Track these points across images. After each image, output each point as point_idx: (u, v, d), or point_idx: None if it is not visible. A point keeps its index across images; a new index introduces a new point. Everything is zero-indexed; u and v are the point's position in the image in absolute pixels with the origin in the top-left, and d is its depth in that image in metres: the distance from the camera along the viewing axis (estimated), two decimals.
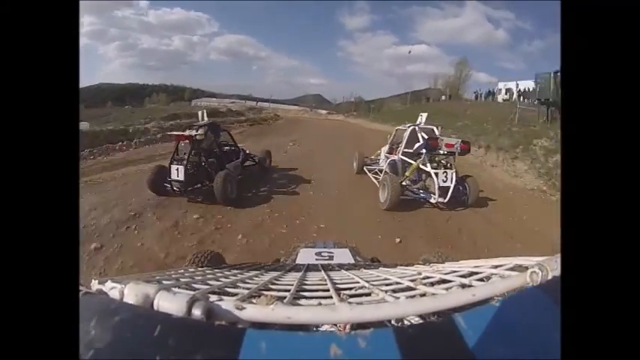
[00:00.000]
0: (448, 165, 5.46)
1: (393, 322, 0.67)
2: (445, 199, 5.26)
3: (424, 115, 6.19)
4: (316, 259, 1.89)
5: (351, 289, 0.78)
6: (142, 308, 0.53)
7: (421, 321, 0.54)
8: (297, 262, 1.85)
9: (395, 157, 6.06)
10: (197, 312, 0.52)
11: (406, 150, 5.81)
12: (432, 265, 1.22)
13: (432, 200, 5.40)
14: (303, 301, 0.65)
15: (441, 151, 5.43)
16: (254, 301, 0.62)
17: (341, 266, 1.50)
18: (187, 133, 5.94)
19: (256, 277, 0.99)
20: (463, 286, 0.65)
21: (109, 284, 0.63)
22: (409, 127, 6.07)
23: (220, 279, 0.87)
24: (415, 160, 5.55)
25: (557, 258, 0.56)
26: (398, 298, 0.61)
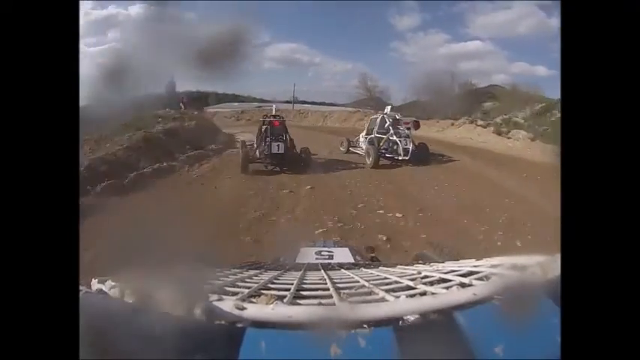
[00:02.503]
0: (407, 135, 8.27)
1: (393, 321, 0.67)
2: (407, 156, 8.04)
3: (389, 107, 9.13)
4: (316, 259, 1.89)
5: (351, 288, 0.78)
6: (142, 308, 0.53)
7: (421, 320, 0.54)
8: (296, 261, 1.85)
9: (372, 136, 8.70)
10: (197, 312, 0.52)
11: (379, 130, 8.61)
12: (431, 264, 1.22)
13: (399, 158, 8.06)
14: (303, 301, 0.65)
15: (401, 127, 8.35)
16: (254, 300, 0.62)
17: (341, 265, 1.50)
18: (277, 119, 7.83)
19: (256, 276, 0.99)
20: (463, 285, 0.65)
21: (109, 283, 0.63)
22: (379, 115, 8.81)
23: (220, 278, 0.87)
24: (385, 135, 8.39)
25: (557, 258, 0.56)
26: (398, 297, 0.61)
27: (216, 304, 0.55)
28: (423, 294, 0.64)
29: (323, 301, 0.65)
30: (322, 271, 1.16)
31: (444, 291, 0.61)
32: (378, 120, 8.85)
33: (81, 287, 0.58)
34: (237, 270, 1.12)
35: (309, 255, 2.00)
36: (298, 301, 0.65)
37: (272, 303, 0.57)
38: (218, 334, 0.48)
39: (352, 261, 1.88)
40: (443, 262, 1.17)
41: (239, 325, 0.51)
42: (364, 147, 8.72)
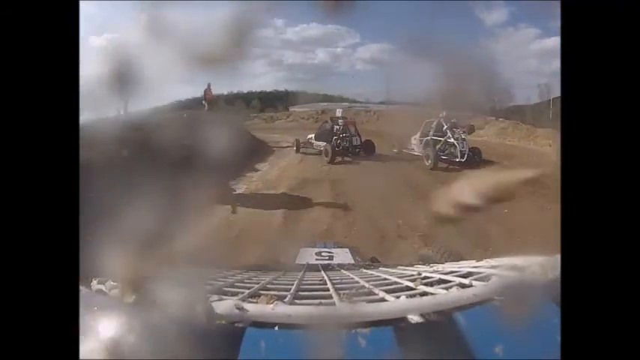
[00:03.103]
0: (463, 139, 8.30)
1: (393, 321, 0.67)
2: (464, 159, 8.08)
3: (444, 112, 8.79)
4: (316, 260, 1.89)
5: (351, 289, 0.78)
6: (142, 308, 0.53)
7: (421, 321, 0.54)
8: (296, 262, 1.85)
9: (427, 138, 8.75)
10: (197, 312, 0.52)
11: (435, 133, 8.66)
12: (431, 265, 1.22)
13: (456, 160, 8.07)
14: (303, 301, 0.65)
15: (458, 131, 8.31)
16: (254, 300, 0.62)
17: (341, 266, 1.50)
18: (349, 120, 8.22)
19: (256, 277, 0.99)
20: (463, 286, 0.65)
21: (109, 284, 0.63)
22: (435, 119, 8.70)
23: (220, 279, 0.87)
24: (442, 138, 8.42)
25: (557, 258, 0.56)
26: (398, 298, 0.61)
27: (217, 304, 0.55)
28: (423, 294, 0.64)
29: (323, 301, 0.65)
30: (322, 271, 1.16)
31: (444, 291, 0.61)
32: (434, 123, 8.90)
33: (81, 287, 0.58)
34: (237, 270, 1.12)
35: (308, 256, 2.00)
36: (298, 301, 0.65)
37: (272, 303, 0.57)
38: (218, 334, 0.48)
39: (352, 262, 1.88)
40: (443, 263, 1.17)
41: (239, 326, 0.51)
42: (417, 149, 8.93)
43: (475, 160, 8.31)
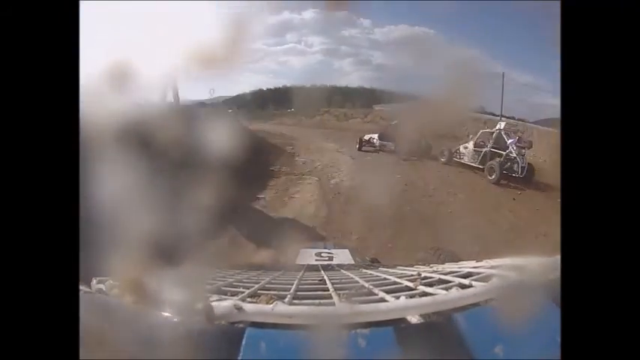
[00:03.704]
0: (523, 154, 7.85)
1: (392, 322, 0.67)
2: (523, 174, 7.62)
3: (503, 123, 8.64)
4: (316, 260, 1.89)
5: (350, 289, 0.78)
6: (142, 308, 0.53)
7: (421, 321, 0.54)
8: (296, 262, 1.85)
9: (484, 150, 8.36)
10: (197, 312, 0.52)
11: (494, 145, 8.24)
12: (431, 265, 1.22)
13: (515, 175, 7.61)
14: (303, 301, 0.65)
15: (519, 145, 7.84)
16: (254, 301, 0.62)
17: (340, 267, 1.50)
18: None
19: (256, 277, 0.99)
20: (463, 286, 0.65)
21: (109, 283, 0.63)
22: (495, 130, 8.40)
23: (220, 279, 0.87)
24: (503, 151, 7.98)
25: (557, 258, 0.56)
26: (397, 298, 0.61)
27: (216, 304, 0.55)
28: (423, 295, 0.64)
29: (323, 301, 0.65)
30: (322, 272, 1.16)
31: (444, 292, 0.61)
32: (494, 135, 8.54)
33: (81, 287, 0.58)
34: (237, 270, 1.12)
35: (308, 256, 2.00)
36: (298, 301, 0.65)
37: (272, 303, 0.57)
38: (218, 334, 0.48)
39: (352, 262, 1.88)
40: (442, 263, 1.17)
41: (239, 326, 0.51)
42: (468, 158, 8.59)
43: (529, 178, 7.88)
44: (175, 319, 0.49)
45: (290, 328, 0.50)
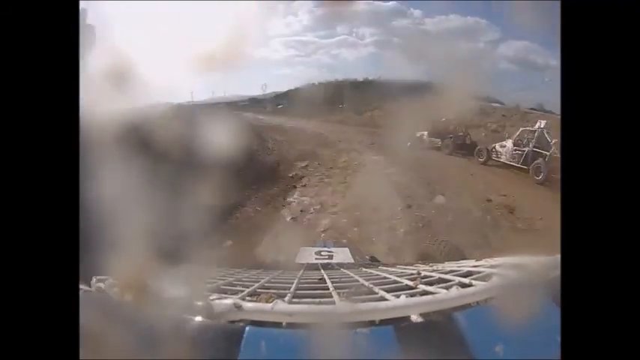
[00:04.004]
0: None
1: (393, 321, 0.67)
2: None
3: (543, 121, 8.09)
4: (316, 259, 1.89)
5: (350, 287, 0.78)
6: (142, 307, 0.53)
7: (421, 320, 0.54)
8: (296, 261, 1.85)
9: (527, 149, 7.93)
10: (197, 311, 0.52)
11: (536, 144, 7.82)
12: (431, 264, 1.22)
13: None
14: (303, 300, 0.65)
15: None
16: (254, 299, 0.62)
17: (340, 265, 1.50)
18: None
19: (256, 276, 0.99)
20: (463, 285, 0.65)
21: (109, 282, 0.63)
22: (536, 129, 8.00)
23: (220, 278, 0.87)
24: (546, 151, 7.52)
25: (557, 258, 0.56)
26: (398, 297, 0.61)
27: (216, 303, 0.55)
28: (423, 294, 0.64)
29: (323, 300, 0.65)
30: (322, 270, 1.16)
31: (444, 291, 0.61)
32: (536, 134, 8.10)
33: (81, 287, 0.58)
34: (237, 270, 1.12)
35: (308, 255, 2.00)
36: (298, 300, 0.65)
37: (272, 302, 0.57)
38: (218, 333, 0.48)
39: (352, 261, 1.89)
40: (443, 262, 1.17)
41: (239, 325, 0.51)
42: (506, 157, 8.12)
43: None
44: (175, 318, 0.49)
45: (290, 327, 0.50)
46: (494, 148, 8.39)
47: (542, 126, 8.15)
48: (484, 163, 8.15)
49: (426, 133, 8.46)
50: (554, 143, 7.17)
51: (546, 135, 7.72)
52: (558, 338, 0.45)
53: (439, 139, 7.98)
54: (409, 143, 8.41)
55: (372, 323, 0.53)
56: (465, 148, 8.16)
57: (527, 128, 8.35)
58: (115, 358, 0.44)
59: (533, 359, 0.44)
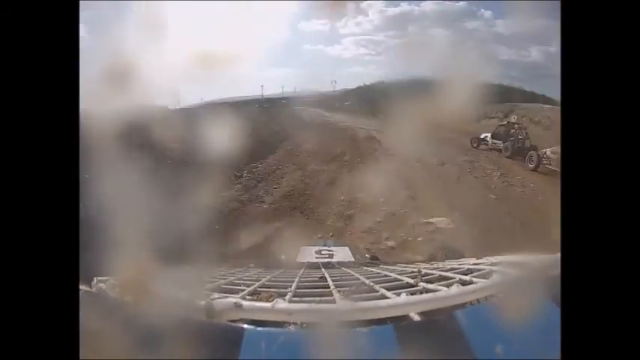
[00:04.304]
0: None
1: (393, 319, 0.67)
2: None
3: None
4: (316, 257, 1.90)
5: (351, 286, 0.79)
6: (143, 307, 0.53)
7: (422, 318, 0.54)
8: (297, 260, 1.86)
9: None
10: (198, 311, 0.52)
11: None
12: (432, 262, 1.22)
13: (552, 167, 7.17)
14: (303, 299, 0.65)
15: None
16: (255, 298, 0.62)
17: (341, 264, 1.51)
18: None
19: (256, 275, 0.99)
20: (463, 283, 0.65)
21: (110, 282, 0.64)
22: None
23: (221, 277, 0.88)
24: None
25: (557, 258, 0.56)
26: (398, 295, 0.61)
27: (217, 302, 0.55)
28: (424, 292, 0.64)
29: (324, 299, 0.65)
30: (322, 269, 1.16)
31: (445, 289, 0.61)
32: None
33: (81, 287, 0.58)
34: (238, 269, 1.12)
35: (309, 254, 2.00)
36: (299, 298, 0.65)
37: (272, 301, 0.57)
38: (218, 333, 0.48)
39: (352, 259, 1.89)
40: (443, 261, 1.17)
41: (239, 325, 0.51)
42: (554, 164, 8.45)
43: None
44: (176, 318, 0.49)
45: (291, 326, 0.51)
46: (545, 153, 7.79)
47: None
48: (534, 170, 7.69)
49: (489, 134, 8.43)
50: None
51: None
52: (558, 338, 0.45)
53: (501, 142, 7.90)
54: (475, 144, 8.54)
55: (372, 322, 0.53)
56: (525, 151, 7.88)
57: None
58: (115, 358, 0.44)
59: (533, 359, 0.44)
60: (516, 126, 7.86)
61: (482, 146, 8.48)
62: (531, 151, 7.77)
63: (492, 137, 8.04)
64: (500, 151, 7.80)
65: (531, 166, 7.72)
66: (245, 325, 0.50)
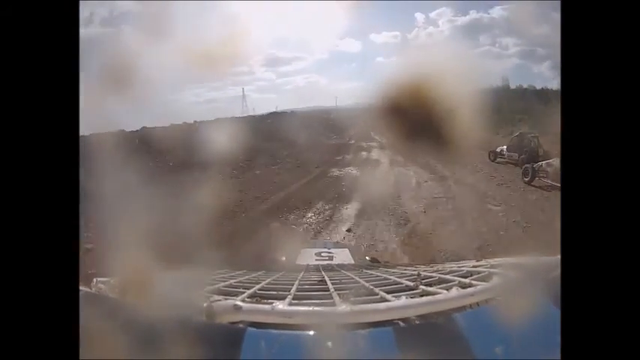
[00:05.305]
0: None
1: (393, 322, 0.67)
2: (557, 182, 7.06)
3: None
4: (316, 260, 1.89)
5: (351, 289, 0.78)
6: (143, 308, 0.53)
7: (421, 321, 0.54)
8: (297, 262, 1.86)
9: (521, 154, 8.14)
10: (198, 312, 0.52)
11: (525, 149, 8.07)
12: (431, 265, 1.22)
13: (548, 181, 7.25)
14: (303, 301, 0.65)
15: None
16: (254, 301, 0.62)
17: (341, 266, 1.50)
18: None
19: (257, 277, 0.99)
20: (463, 286, 0.65)
21: (110, 283, 0.63)
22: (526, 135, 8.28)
23: (221, 280, 0.88)
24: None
25: (557, 258, 0.56)
26: (398, 298, 0.61)
27: (217, 304, 0.55)
28: (423, 295, 0.64)
29: (323, 301, 0.65)
30: (322, 272, 1.16)
31: (444, 291, 0.61)
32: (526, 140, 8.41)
33: (81, 288, 0.58)
34: (238, 271, 1.12)
35: (309, 256, 2.00)
36: (298, 301, 0.65)
37: (272, 303, 0.57)
38: (218, 334, 0.48)
39: (352, 262, 1.89)
40: (443, 263, 1.17)
41: (239, 326, 0.51)
42: (550, 178, 7.63)
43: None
44: (176, 319, 0.49)
45: (290, 328, 0.50)
46: (540, 166, 7.80)
47: (533, 132, 8.23)
48: (529, 183, 7.73)
49: (505, 147, 8.31)
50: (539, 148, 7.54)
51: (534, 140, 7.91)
52: (558, 338, 0.45)
53: (517, 154, 7.81)
54: (492, 158, 8.42)
55: (372, 324, 0.53)
56: (539, 160, 7.78)
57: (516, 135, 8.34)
58: (115, 359, 0.44)
59: (533, 359, 0.44)
60: (529, 136, 7.72)
61: (500, 159, 8.35)
62: (526, 165, 7.73)
63: (508, 150, 8.00)
64: (516, 163, 7.76)
65: (526, 179, 7.67)
66: (245, 327, 0.50)
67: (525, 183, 7.58)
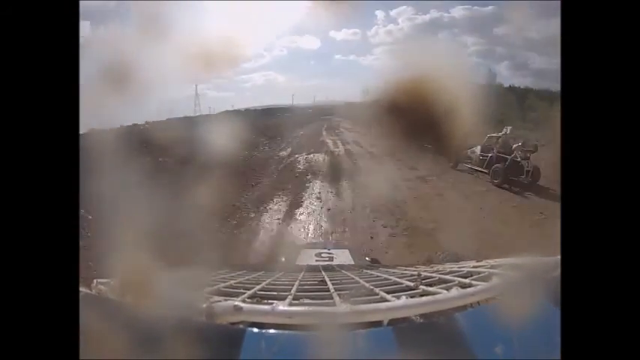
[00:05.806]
0: (528, 157, 7.60)
1: (393, 322, 0.67)
2: (529, 179, 7.36)
3: (509, 127, 8.31)
4: (316, 261, 1.89)
5: (351, 289, 0.78)
6: (143, 308, 0.53)
7: (421, 321, 0.54)
8: (297, 263, 1.85)
9: (491, 154, 8.14)
10: (198, 312, 0.52)
11: (500, 150, 8.09)
12: (431, 265, 1.22)
13: (522, 180, 7.39)
14: (303, 302, 0.65)
15: (523, 150, 7.58)
16: (255, 301, 0.62)
17: (341, 267, 1.50)
18: None
19: (257, 277, 0.99)
20: (463, 286, 0.65)
21: (110, 284, 0.63)
22: (501, 135, 8.16)
23: (221, 280, 0.88)
24: (508, 155, 7.80)
25: (557, 258, 0.56)
26: (398, 298, 0.61)
27: (217, 304, 0.55)
28: (423, 295, 0.64)
29: (323, 301, 0.65)
30: (322, 272, 1.16)
31: (444, 291, 0.61)
32: (500, 139, 8.21)
33: (81, 288, 0.58)
34: (238, 272, 1.12)
35: (309, 257, 2.00)
36: (298, 301, 0.65)
37: (272, 304, 0.57)
38: (218, 334, 0.48)
39: (352, 262, 1.88)
40: (443, 264, 1.17)
41: (239, 326, 0.51)
42: (476, 163, 8.23)
43: (535, 182, 7.56)
44: (176, 319, 0.49)
45: (290, 328, 0.50)
46: (465, 153, 8.30)
47: (507, 132, 8.20)
48: (454, 168, 8.21)
49: (478, 149, 8.21)
50: (516, 148, 7.39)
51: (510, 140, 7.85)
52: (558, 338, 0.45)
53: (489, 154, 7.76)
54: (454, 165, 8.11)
55: (372, 324, 0.53)
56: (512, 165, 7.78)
57: (494, 134, 8.19)
58: (115, 359, 0.44)
59: (533, 359, 0.44)
60: (505, 136, 7.72)
61: (465, 163, 8.28)
62: (495, 166, 7.79)
63: (482, 150, 7.92)
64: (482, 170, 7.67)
65: (451, 164, 8.28)
66: (245, 327, 0.50)
67: (451, 167, 8.06)
